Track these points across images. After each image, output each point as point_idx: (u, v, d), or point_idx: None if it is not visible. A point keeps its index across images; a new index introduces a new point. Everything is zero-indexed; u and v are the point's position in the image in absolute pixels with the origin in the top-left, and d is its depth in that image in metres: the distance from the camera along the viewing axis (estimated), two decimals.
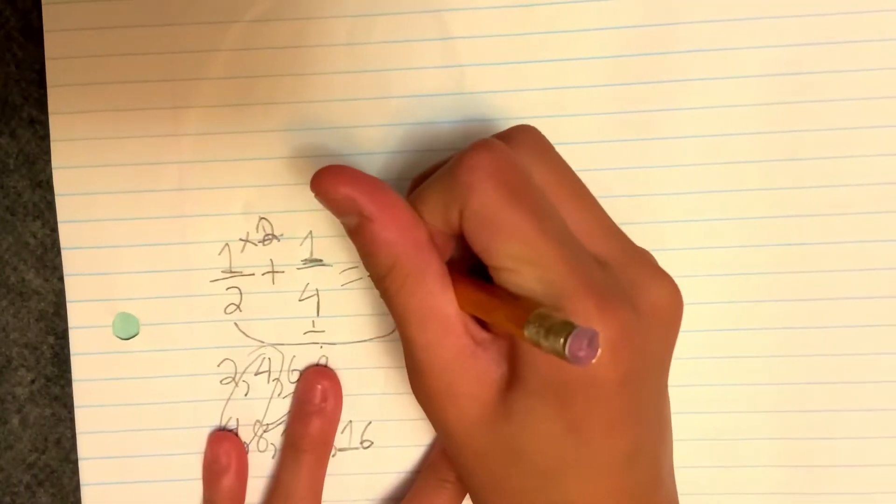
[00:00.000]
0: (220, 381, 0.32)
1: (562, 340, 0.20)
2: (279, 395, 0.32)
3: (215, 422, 0.32)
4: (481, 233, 0.24)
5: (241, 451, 0.32)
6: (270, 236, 0.31)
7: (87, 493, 0.32)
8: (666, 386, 0.26)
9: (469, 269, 0.26)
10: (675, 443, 0.27)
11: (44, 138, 0.31)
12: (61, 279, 0.31)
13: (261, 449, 0.32)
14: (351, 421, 0.32)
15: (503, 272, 0.24)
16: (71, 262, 0.31)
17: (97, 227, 0.31)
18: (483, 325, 0.25)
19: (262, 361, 0.31)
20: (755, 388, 0.31)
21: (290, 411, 0.32)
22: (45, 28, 0.30)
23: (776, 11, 0.30)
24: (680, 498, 0.27)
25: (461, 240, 0.25)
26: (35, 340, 0.32)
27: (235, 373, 0.32)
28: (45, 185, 0.31)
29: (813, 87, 0.30)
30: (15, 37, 0.31)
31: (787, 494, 0.31)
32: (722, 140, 0.30)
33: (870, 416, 0.31)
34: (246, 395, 0.32)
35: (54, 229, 0.31)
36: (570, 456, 0.24)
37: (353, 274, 0.31)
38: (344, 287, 0.31)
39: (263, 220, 0.31)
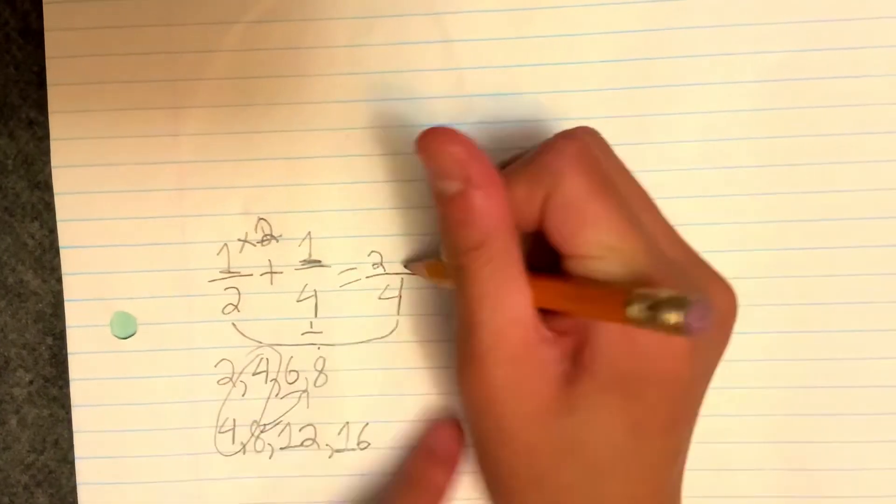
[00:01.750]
0: (218, 382, 0.32)
1: (678, 313, 0.20)
2: (277, 395, 0.32)
3: (212, 422, 0.32)
4: (568, 220, 0.24)
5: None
6: (269, 237, 0.31)
7: (83, 493, 0.32)
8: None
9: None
10: None
11: (42, 139, 0.31)
12: (59, 280, 0.31)
13: (258, 449, 0.32)
14: (348, 422, 0.32)
15: (588, 260, 0.23)
16: (69, 260, 0.31)
17: (96, 226, 0.31)
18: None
19: (260, 362, 0.31)
20: (751, 392, 0.31)
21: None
22: (45, 27, 0.30)
23: (772, 18, 0.30)
24: None
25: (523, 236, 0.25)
26: (33, 341, 0.32)
27: (233, 373, 0.31)
28: (43, 186, 0.31)
29: (809, 92, 0.30)
30: (14, 38, 0.31)
31: (784, 498, 0.31)
32: (718, 145, 0.30)
33: (866, 419, 0.31)
34: (243, 395, 0.32)
35: (52, 230, 0.31)
36: (627, 452, 0.24)
37: (352, 275, 0.31)
38: (342, 288, 0.31)
39: (262, 221, 0.31)
